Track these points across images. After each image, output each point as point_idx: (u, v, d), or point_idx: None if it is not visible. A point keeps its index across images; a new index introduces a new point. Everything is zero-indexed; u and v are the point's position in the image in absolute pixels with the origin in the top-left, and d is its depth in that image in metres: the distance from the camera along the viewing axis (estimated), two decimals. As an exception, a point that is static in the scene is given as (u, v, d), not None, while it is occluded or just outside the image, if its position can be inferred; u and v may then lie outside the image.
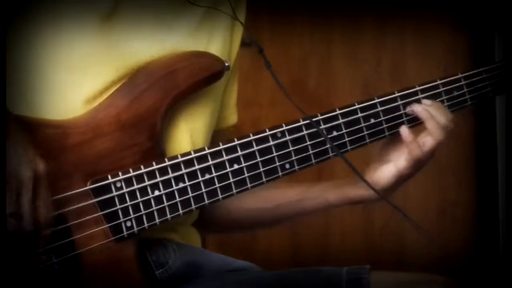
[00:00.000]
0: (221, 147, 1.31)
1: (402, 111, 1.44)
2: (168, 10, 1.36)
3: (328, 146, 1.37)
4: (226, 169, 1.31)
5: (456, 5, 3.15)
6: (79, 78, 1.27)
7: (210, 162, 1.30)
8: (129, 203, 1.24)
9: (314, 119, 1.37)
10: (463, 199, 3.17)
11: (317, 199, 1.49)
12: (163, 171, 1.27)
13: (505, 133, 3.12)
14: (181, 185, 1.28)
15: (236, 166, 1.31)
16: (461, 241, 3.15)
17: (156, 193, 1.26)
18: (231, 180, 1.31)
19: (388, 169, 1.43)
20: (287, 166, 1.35)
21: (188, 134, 1.35)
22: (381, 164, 1.44)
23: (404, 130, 1.42)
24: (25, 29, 1.25)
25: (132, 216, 1.24)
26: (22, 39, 1.25)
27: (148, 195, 1.25)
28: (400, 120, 1.43)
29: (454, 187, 3.15)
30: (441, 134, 1.41)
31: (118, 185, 1.24)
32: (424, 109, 1.42)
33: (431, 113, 1.42)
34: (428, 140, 1.41)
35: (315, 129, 1.36)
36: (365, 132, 1.41)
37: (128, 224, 1.24)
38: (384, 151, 1.44)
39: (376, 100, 1.43)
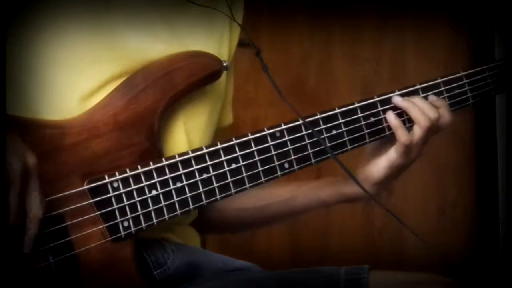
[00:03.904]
0: (219, 146, 1.30)
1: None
2: (164, 8, 1.35)
3: (328, 144, 1.37)
4: (224, 168, 1.30)
5: (456, 5, 3.15)
6: (76, 77, 1.27)
7: (208, 162, 1.29)
8: (126, 203, 1.24)
9: (313, 118, 1.37)
10: (463, 199, 3.16)
11: (310, 197, 1.48)
12: (161, 171, 1.26)
13: (505, 133, 3.12)
14: (178, 184, 1.27)
15: (234, 166, 1.31)
16: (461, 241, 3.15)
17: (154, 193, 1.26)
18: (229, 179, 1.31)
19: (380, 161, 1.43)
20: (286, 165, 1.35)
21: (184, 134, 1.34)
22: (373, 158, 1.44)
23: (390, 116, 1.41)
24: (22, 29, 1.25)
25: (129, 216, 1.24)
26: (19, 39, 1.25)
27: (145, 195, 1.25)
28: (401, 119, 1.42)
29: (454, 187, 3.15)
30: (426, 120, 1.40)
31: (115, 185, 1.23)
32: (403, 99, 1.42)
33: (413, 101, 1.41)
34: (416, 130, 1.40)
35: (314, 129, 1.36)
36: (365, 131, 1.41)
37: (125, 224, 1.24)
38: (376, 148, 1.44)
39: (376, 99, 1.42)
